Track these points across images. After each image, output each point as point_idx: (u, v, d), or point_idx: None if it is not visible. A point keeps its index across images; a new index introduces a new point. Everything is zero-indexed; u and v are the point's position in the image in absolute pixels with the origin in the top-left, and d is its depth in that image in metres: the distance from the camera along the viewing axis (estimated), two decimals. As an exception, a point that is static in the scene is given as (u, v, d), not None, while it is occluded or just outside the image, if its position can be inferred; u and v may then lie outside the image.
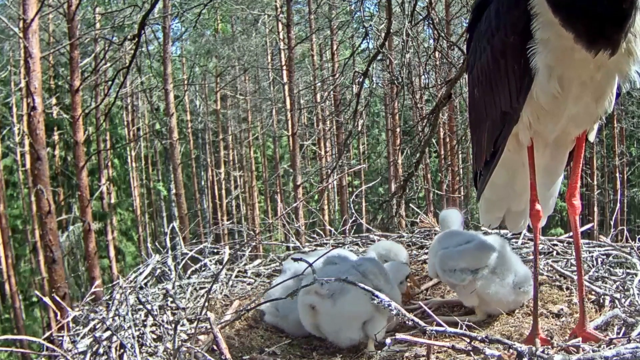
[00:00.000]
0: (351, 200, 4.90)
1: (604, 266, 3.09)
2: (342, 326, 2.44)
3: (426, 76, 8.81)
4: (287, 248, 4.12)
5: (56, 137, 17.60)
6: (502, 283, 2.66)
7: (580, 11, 1.81)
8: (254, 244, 4.05)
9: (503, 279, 2.67)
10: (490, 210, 2.77)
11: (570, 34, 1.85)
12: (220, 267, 3.43)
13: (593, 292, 2.77)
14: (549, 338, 2.28)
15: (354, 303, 2.42)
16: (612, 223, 3.98)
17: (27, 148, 13.88)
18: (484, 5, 2.22)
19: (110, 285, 3.49)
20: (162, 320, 2.71)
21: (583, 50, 1.87)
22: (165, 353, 2.41)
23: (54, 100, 17.52)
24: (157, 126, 23.54)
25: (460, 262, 2.65)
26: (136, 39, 5.77)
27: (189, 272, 3.50)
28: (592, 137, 2.31)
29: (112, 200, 19.68)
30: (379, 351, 2.40)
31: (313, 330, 2.55)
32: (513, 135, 2.26)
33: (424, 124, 5.91)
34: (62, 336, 2.76)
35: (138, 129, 23.84)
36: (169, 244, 3.62)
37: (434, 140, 13.06)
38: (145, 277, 3.26)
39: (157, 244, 4.31)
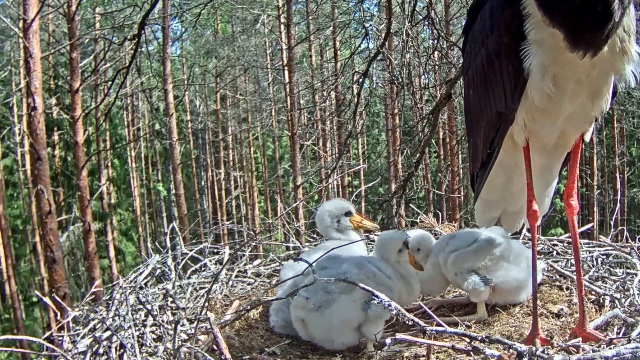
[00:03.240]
0: (351, 200, 4.90)
1: (604, 266, 3.10)
2: (334, 334, 2.45)
3: (426, 76, 8.81)
4: (287, 248, 4.12)
5: (56, 137, 17.57)
6: (518, 268, 2.71)
7: (563, 13, 1.82)
8: (254, 244, 4.05)
9: (518, 264, 2.72)
10: (486, 211, 2.78)
11: (561, 33, 1.87)
12: (220, 267, 3.43)
13: (593, 292, 2.77)
14: (549, 338, 2.29)
15: (342, 312, 2.43)
16: (612, 223, 3.98)
17: (27, 148, 13.84)
18: (479, 8, 2.22)
19: (110, 285, 3.49)
20: (162, 320, 2.71)
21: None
22: (165, 353, 2.41)
23: (54, 101, 17.49)
24: (157, 126, 23.54)
25: (477, 261, 2.67)
26: (136, 39, 5.76)
27: (189, 272, 3.50)
28: (587, 137, 2.31)
29: (112, 201, 19.66)
30: (379, 351, 2.40)
31: (309, 339, 2.56)
32: (509, 136, 2.27)
33: (424, 124, 5.91)
34: (62, 336, 2.76)
35: (138, 129, 23.83)
36: (169, 244, 3.62)
37: (434, 140, 13.05)
38: (145, 277, 3.26)
39: (157, 244, 4.31)
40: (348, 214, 3.02)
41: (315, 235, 4.16)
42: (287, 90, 14.24)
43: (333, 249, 2.57)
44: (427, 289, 2.91)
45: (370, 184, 17.06)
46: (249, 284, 3.45)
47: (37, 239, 15.60)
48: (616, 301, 2.62)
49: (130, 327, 2.53)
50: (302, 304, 2.45)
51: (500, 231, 2.83)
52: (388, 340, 2.00)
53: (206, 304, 2.56)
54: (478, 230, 2.91)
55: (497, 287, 2.68)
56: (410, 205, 5.49)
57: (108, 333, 2.56)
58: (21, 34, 7.90)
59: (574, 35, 1.84)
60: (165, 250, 3.59)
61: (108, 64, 16.32)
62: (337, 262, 2.56)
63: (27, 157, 15.06)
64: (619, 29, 1.88)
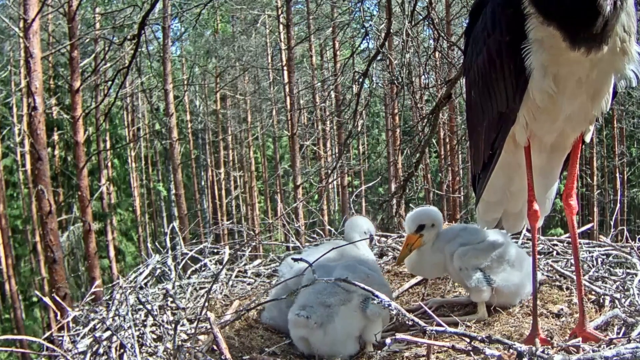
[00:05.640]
0: (351, 200, 4.90)
1: (604, 266, 3.09)
2: (338, 348, 2.42)
3: (426, 76, 8.80)
4: (287, 248, 4.12)
5: (56, 137, 17.55)
6: (520, 274, 2.72)
7: (554, 12, 1.84)
8: (254, 244, 4.05)
9: (520, 270, 2.73)
10: (488, 212, 2.78)
11: (559, 33, 1.87)
12: (220, 267, 3.43)
13: (593, 292, 2.77)
14: (549, 338, 2.29)
15: (344, 323, 2.41)
16: (612, 223, 3.98)
17: (27, 148, 13.85)
18: (480, 8, 2.22)
19: (110, 285, 3.49)
20: (162, 320, 2.71)
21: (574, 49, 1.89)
22: (165, 353, 2.41)
23: (54, 101, 17.48)
24: (157, 126, 23.52)
25: (484, 259, 2.67)
26: (136, 39, 5.76)
27: (189, 272, 3.50)
28: (588, 138, 2.31)
29: (112, 201, 19.66)
30: (379, 351, 2.40)
31: (312, 354, 2.50)
32: (510, 136, 2.26)
33: (424, 124, 5.90)
34: (62, 336, 2.76)
35: (138, 129, 23.82)
36: (169, 244, 3.62)
37: (434, 140, 13.04)
38: (145, 277, 3.26)
39: (157, 244, 4.31)
40: (372, 238, 3.10)
41: (315, 235, 4.16)
42: (287, 90, 14.24)
43: (334, 248, 2.57)
44: (420, 271, 2.95)
45: (370, 184, 17.04)
46: (249, 284, 3.46)
47: (37, 239, 15.61)
48: (616, 301, 2.61)
49: (130, 327, 2.53)
50: (303, 323, 2.40)
51: (504, 235, 2.85)
52: (388, 340, 1.99)
53: (206, 304, 2.56)
54: (485, 230, 2.92)
55: (497, 289, 2.68)
56: (410, 205, 5.49)
57: (108, 333, 2.56)
58: (21, 34, 7.90)
59: (569, 33, 1.85)
60: (165, 250, 3.59)
61: (108, 64, 16.30)
62: (327, 270, 2.52)
63: (27, 157, 15.07)
64: (617, 25, 1.88)
